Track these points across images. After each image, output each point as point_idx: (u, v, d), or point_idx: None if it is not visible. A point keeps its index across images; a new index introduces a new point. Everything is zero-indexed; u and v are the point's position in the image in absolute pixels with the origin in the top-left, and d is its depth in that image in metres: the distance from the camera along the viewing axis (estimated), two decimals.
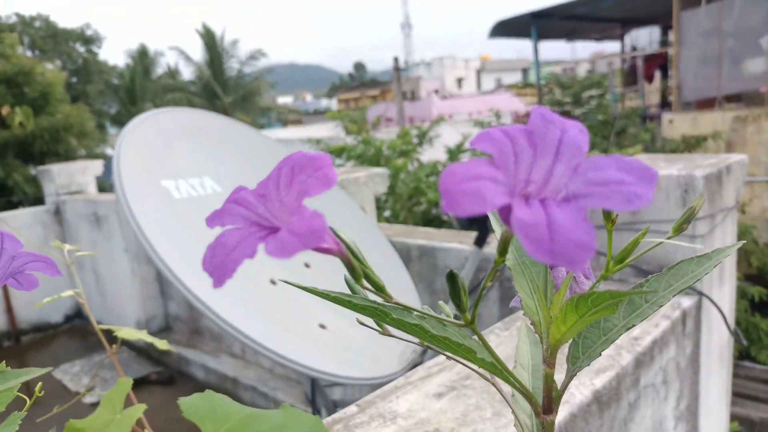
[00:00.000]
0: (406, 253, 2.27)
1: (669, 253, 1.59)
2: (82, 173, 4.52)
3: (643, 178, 0.19)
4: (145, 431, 0.75)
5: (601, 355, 0.29)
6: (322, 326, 1.39)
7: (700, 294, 1.56)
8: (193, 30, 19.51)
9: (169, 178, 1.37)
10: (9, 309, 4.22)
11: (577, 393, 1.07)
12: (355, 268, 0.28)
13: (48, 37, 16.00)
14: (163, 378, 3.22)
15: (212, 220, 0.23)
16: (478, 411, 1.01)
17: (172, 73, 21.02)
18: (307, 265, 1.57)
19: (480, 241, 1.41)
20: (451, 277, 0.26)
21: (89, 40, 16.78)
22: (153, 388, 3.14)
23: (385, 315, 0.28)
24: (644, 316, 0.28)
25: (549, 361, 0.28)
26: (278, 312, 1.42)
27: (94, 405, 3.39)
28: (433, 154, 6.49)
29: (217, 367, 3.15)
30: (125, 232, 3.69)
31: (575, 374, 0.29)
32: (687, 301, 1.51)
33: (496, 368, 0.27)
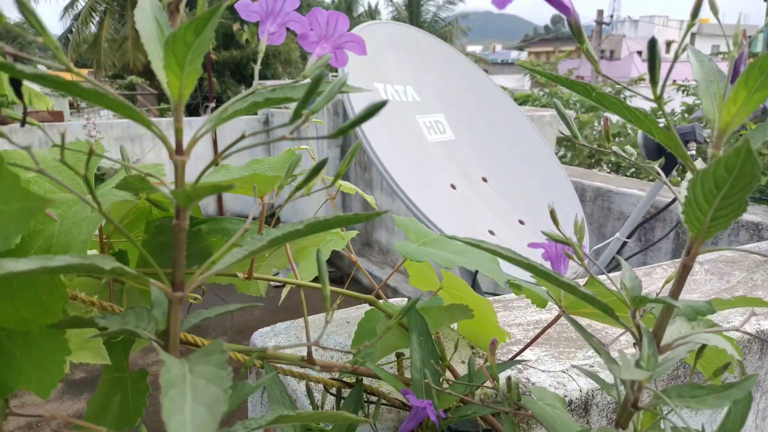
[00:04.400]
0: (580, 194, 2.28)
1: None
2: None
3: None
4: (352, 255, 0.94)
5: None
6: (491, 232, 1.51)
7: None
8: None
9: (380, 81, 1.56)
10: (219, 198, 4.98)
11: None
12: (583, 36, 0.39)
13: None
14: (334, 277, 3.64)
15: None
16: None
17: (372, 12, 21.81)
18: (484, 179, 1.69)
19: (665, 172, 1.41)
20: (652, 44, 0.35)
21: None
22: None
23: (592, 90, 0.39)
24: None
25: (716, 145, 0.37)
26: (458, 216, 1.56)
27: (277, 287, 3.94)
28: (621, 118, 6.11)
29: (381, 276, 3.46)
30: (319, 144, 4.11)
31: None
32: None
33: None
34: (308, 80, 0.40)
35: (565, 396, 0.84)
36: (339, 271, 3.85)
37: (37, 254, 0.46)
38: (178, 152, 0.34)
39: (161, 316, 0.37)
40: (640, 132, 1.41)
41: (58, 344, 0.49)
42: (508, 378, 0.49)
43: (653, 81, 0.36)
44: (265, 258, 0.71)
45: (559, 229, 0.43)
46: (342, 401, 0.65)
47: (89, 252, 0.64)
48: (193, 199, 0.31)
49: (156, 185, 0.38)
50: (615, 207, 2.02)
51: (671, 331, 0.46)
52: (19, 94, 0.28)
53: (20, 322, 0.46)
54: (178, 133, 0.34)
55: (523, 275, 0.78)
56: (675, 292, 0.38)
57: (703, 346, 0.48)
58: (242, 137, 0.30)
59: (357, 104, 1.39)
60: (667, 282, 0.49)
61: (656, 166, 0.45)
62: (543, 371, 0.89)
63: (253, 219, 0.48)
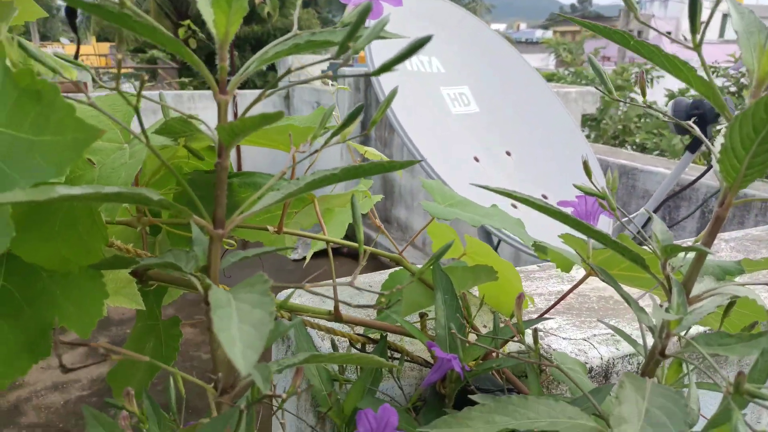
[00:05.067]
0: (605, 172, 2.24)
1: None
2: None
3: None
4: (377, 220, 0.94)
5: None
6: (514, 206, 1.51)
7: None
8: None
9: None
10: (239, 164, 5.01)
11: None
12: None
13: None
14: (351, 252, 3.67)
15: None
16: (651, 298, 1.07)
17: None
18: (508, 153, 1.68)
19: (693, 147, 1.39)
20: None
21: None
22: (343, 259, 3.61)
23: (630, 38, 0.39)
24: None
25: (755, 94, 0.37)
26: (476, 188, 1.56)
27: (297, 261, 3.99)
28: (650, 96, 6.01)
29: None
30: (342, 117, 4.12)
31: None
32: None
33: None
34: (347, 26, 0.40)
35: (586, 363, 0.84)
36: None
37: None
38: (221, 91, 0.35)
39: (202, 253, 0.39)
40: (670, 104, 1.39)
41: (96, 286, 0.51)
42: (534, 330, 0.50)
43: (693, 28, 0.36)
44: (292, 216, 0.72)
45: (591, 182, 0.44)
46: None
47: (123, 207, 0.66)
48: (238, 135, 0.32)
49: (197, 127, 0.39)
50: (640, 185, 2.00)
51: (699, 289, 0.46)
52: (74, 26, 0.29)
53: (62, 262, 0.48)
54: (222, 71, 0.35)
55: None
56: (707, 243, 0.38)
57: (731, 304, 0.48)
58: (288, 71, 0.31)
59: (386, 83, 1.38)
60: (696, 240, 0.49)
61: (691, 122, 0.45)
62: (564, 338, 0.90)
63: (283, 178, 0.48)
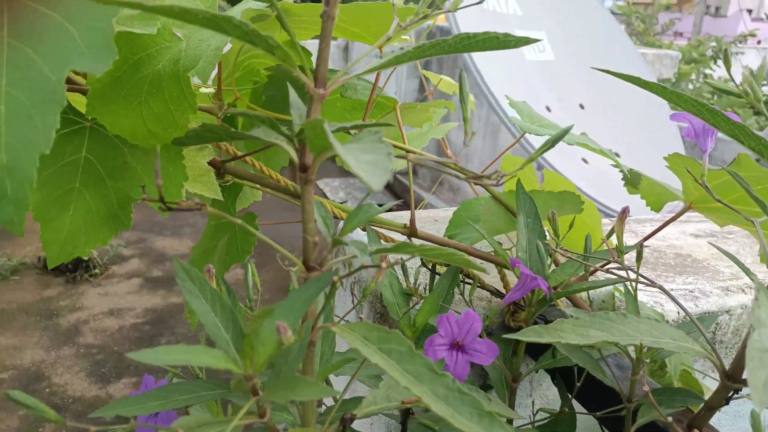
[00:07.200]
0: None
1: None
2: None
3: None
4: (448, 150, 0.91)
5: None
6: (585, 160, 1.44)
7: None
8: None
9: None
10: None
11: None
12: None
13: None
14: (400, 209, 3.67)
15: None
16: (737, 255, 1.01)
17: None
18: (581, 106, 1.60)
19: None
20: None
21: None
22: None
23: None
24: None
25: None
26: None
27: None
28: (725, 73, 5.65)
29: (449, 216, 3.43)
30: (398, 76, 4.04)
31: None
32: None
33: None
34: None
35: (663, 315, 0.80)
36: (405, 204, 3.87)
37: (166, 67, 0.45)
38: None
39: (299, 119, 0.36)
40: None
41: (177, 169, 0.50)
42: (640, 244, 0.46)
43: None
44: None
45: (730, 75, 0.39)
46: (436, 277, 0.64)
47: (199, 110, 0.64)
48: None
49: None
50: (717, 155, 1.88)
51: None
52: None
53: (147, 136, 0.46)
54: None
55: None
56: None
57: None
58: None
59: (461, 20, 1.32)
60: None
61: None
62: (640, 290, 0.85)
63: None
